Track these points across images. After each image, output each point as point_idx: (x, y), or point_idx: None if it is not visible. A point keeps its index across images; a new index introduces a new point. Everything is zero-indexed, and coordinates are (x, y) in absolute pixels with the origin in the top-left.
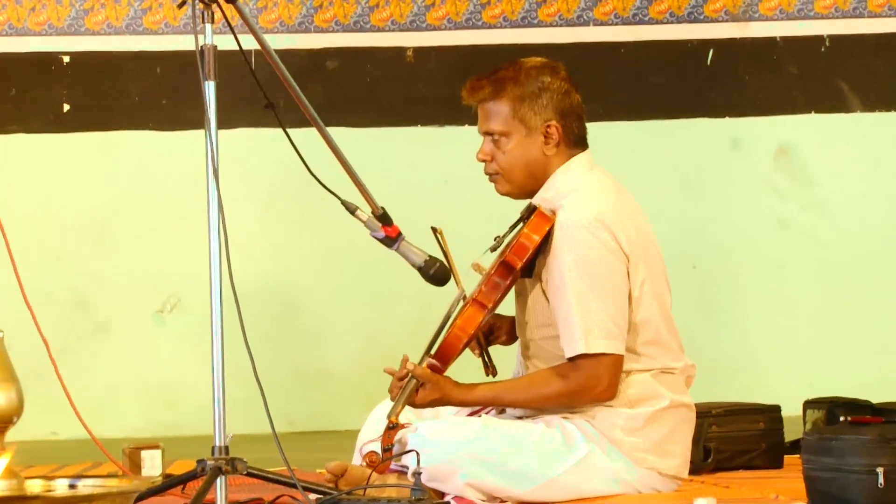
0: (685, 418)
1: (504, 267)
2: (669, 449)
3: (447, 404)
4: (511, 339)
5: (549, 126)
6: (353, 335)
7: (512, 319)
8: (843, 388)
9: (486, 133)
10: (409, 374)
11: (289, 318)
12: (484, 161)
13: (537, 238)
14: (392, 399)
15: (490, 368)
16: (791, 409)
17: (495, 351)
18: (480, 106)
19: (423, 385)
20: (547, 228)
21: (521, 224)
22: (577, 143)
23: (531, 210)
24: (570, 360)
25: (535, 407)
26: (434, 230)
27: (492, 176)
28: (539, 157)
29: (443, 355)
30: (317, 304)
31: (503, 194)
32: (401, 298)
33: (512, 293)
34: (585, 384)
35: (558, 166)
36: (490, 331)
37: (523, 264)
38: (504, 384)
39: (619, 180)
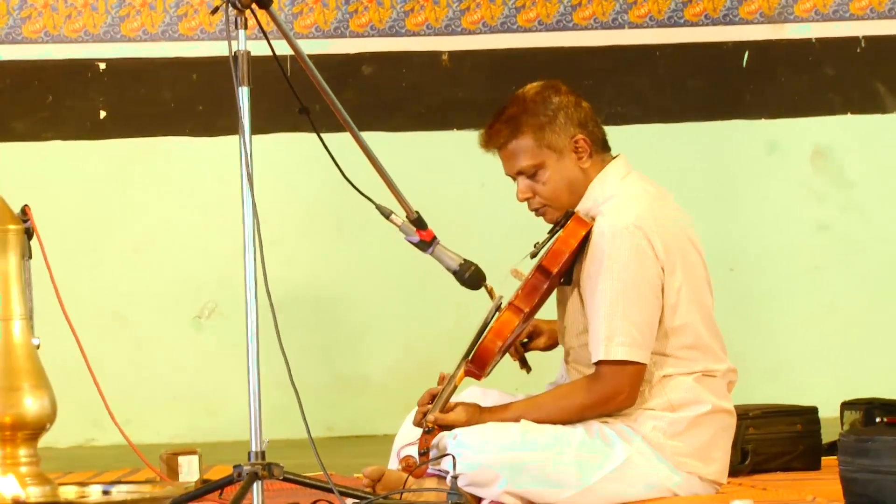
0: (727, 425)
1: (540, 272)
2: (711, 454)
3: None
4: (550, 344)
5: (576, 141)
6: (392, 341)
7: (552, 325)
8: (883, 389)
9: (518, 173)
10: (447, 380)
11: (328, 323)
12: (527, 200)
13: (573, 242)
14: (415, 424)
15: (525, 367)
16: (830, 412)
17: (513, 365)
18: (502, 150)
19: (453, 409)
20: (584, 233)
21: (558, 230)
22: (604, 146)
23: (568, 215)
24: (595, 365)
25: (562, 420)
26: (489, 291)
27: (538, 210)
28: (578, 173)
29: (479, 360)
30: (356, 310)
31: (555, 222)
32: (440, 304)
33: (554, 300)
34: (608, 393)
35: (595, 175)
36: (529, 336)
37: (559, 269)
38: (528, 402)
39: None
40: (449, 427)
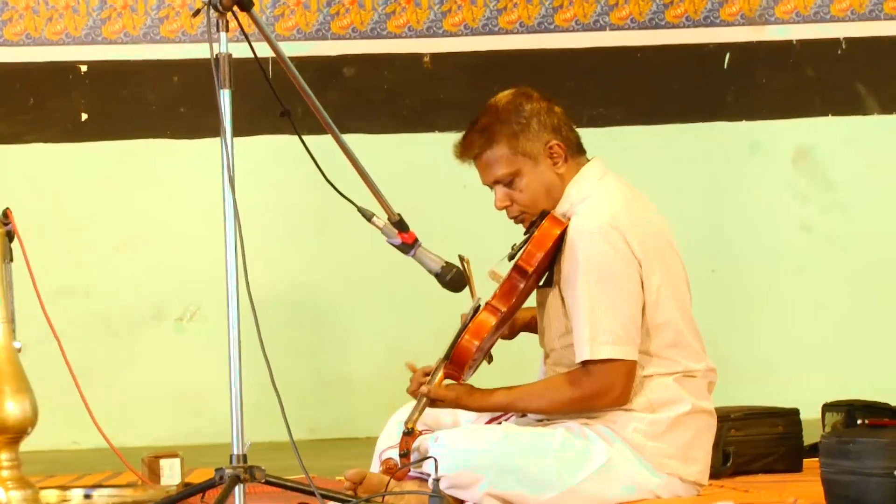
0: (707, 425)
1: (517, 271)
2: (692, 455)
3: (464, 409)
4: (512, 334)
5: (550, 147)
6: (375, 342)
7: (515, 315)
8: (866, 391)
9: (495, 182)
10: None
11: (311, 325)
12: (505, 208)
13: (548, 242)
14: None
15: (487, 357)
16: (812, 413)
17: (496, 367)
18: (478, 160)
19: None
20: (558, 232)
21: (534, 230)
22: (579, 149)
23: (543, 215)
24: (583, 365)
25: (552, 412)
26: (461, 259)
27: (517, 217)
28: (554, 178)
29: (457, 361)
30: (339, 312)
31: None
32: (423, 306)
33: (535, 302)
34: (598, 390)
35: (571, 179)
36: (488, 347)
37: (535, 268)
38: (520, 390)
39: (636, 185)
40: (440, 400)
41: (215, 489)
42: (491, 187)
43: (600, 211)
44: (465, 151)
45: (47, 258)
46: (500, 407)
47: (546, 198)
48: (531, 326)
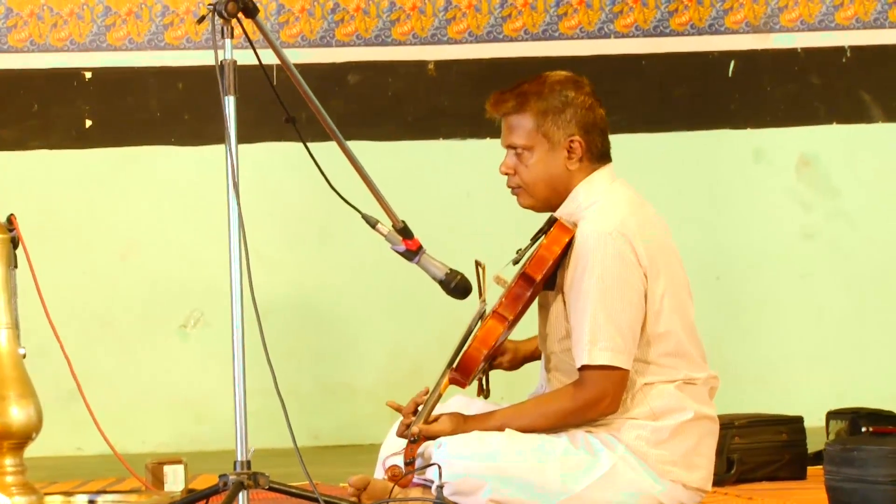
0: (709, 430)
1: (524, 279)
2: (695, 461)
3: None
4: (513, 366)
5: (572, 141)
6: (378, 349)
7: (517, 344)
8: (869, 398)
9: (510, 146)
10: (432, 389)
11: (314, 331)
12: (507, 174)
13: (557, 249)
14: (398, 435)
15: (483, 391)
16: (817, 420)
17: (496, 375)
18: (504, 119)
19: (437, 419)
20: (567, 240)
21: (541, 236)
22: (601, 157)
23: (552, 222)
24: (578, 371)
25: (547, 427)
26: (477, 264)
27: (514, 189)
28: (562, 171)
29: (464, 368)
30: (342, 318)
31: (525, 207)
32: (426, 312)
33: (535, 306)
34: (591, 399)
35: (580, 180)
36: (493, 354)
37: (543, 276)
38: (512, 410)
39: (641, 193)
40: (434, 437)
41: (219, 495)
42: (506, 149)
43: (609, 217)
44: (496, 106)
45: (52, 264)
46: (495, 430)
47: (546, 185)
48: (534, 356)
